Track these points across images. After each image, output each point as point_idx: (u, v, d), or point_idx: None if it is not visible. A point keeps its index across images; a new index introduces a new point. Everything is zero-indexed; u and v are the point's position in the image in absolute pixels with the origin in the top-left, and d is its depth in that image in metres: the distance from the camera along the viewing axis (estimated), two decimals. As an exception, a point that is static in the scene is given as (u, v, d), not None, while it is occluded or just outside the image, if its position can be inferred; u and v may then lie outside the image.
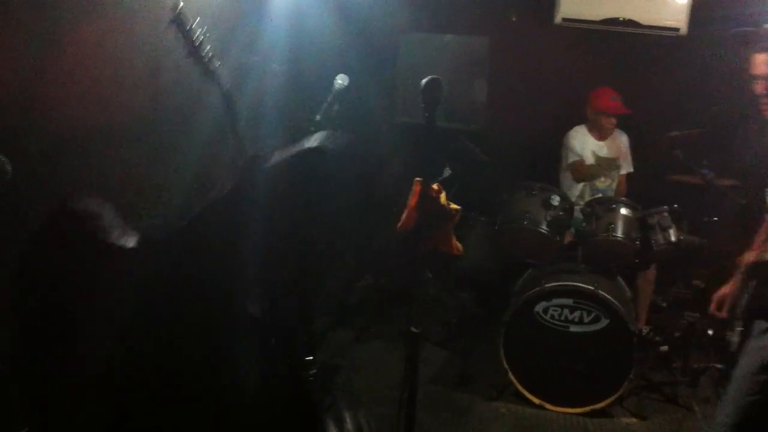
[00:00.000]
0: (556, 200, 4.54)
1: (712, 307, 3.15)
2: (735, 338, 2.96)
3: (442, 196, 2.63)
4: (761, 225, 3.10)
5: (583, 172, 5.13)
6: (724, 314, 3.11)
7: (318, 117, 3.86)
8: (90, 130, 2.65)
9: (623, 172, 5.40)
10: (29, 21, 2.38)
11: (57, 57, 2.52)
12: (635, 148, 5.38)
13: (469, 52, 5.52)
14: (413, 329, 2.26)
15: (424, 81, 2.04)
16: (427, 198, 2.51)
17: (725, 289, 3.14)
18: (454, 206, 2.78)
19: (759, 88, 2.67)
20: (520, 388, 4.38)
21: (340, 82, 4.02)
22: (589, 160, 5.25)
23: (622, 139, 5.37)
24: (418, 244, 2.38)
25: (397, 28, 5.37)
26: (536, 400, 4.36)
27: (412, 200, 2.60)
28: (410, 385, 1.91)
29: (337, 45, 4.74)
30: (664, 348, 4.80)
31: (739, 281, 3.10)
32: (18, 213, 2.25)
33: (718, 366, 3.91)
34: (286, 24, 4.46)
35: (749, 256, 2.98)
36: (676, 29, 5.15)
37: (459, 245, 3.34)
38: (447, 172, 4.85)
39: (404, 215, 2.65)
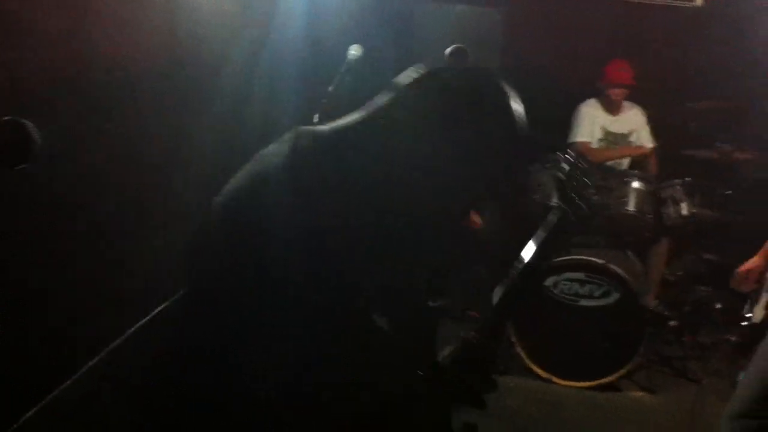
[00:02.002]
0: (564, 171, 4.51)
1: (736, 281, 3.16)
2: (759, 311, 2.95)
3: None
4: None
5: (588, 157, 5.07)
6: (747, 288, 3.12)
7: (330, 88, 3.82)
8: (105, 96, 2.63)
9: (648, 145, 5.29)
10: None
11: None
12: (652, 121, 5.33)
13: (481, 23, 5.46)
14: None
15: (448, 50, 1.96)
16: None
17: (749, 264, 3.14)
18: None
19: None
20: (527, 361, 4.38)
21: (353, 52, 3.96)
22: (598, 134, 5.20)
23: (637, 114, 5.30)
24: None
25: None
26: (544, 374, 4.37)
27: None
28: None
29: (354, 14, 4.70)
30: (674, 322, 4.80)
31: (764, 257, 3.12)
32: (50, 185, 2.22)
33: (733, 339, 3.90)
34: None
35: None
36: (692, 0, 5.11)
37: (478, 218, 3.32)
38: None
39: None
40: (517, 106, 1.56)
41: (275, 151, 1.57)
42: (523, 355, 4.37)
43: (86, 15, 2.50)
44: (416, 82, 1.54)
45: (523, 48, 5.37)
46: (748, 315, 3.08)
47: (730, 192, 4.65)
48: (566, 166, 4.08)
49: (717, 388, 4.38)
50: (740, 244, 5.26)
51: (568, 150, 5.10)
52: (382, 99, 1.56)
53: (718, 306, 4.66)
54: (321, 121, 3.24)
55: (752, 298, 3.07)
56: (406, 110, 1.52)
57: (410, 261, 1.60)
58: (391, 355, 1.60)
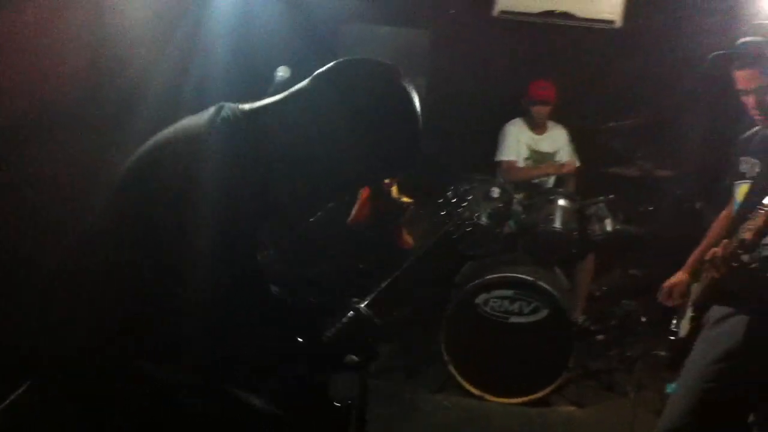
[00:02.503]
0: (495, 192, 4.58)
1: (662, 295, 3.20)
2: (686, 325, 3.00)
3: (394, 189, 2.62)
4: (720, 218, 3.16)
5: (513, 175, 5.18)
6: (673, 303, 3.15)
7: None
8: (25, 123, 2.56)
9: (575, 163, 5.38)
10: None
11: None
12: (575, 140, 5.45)
13: (409, 44, 5.51)
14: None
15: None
16: (379, 191, 2.49)
17: (674, 279, 3.18)
18: (406, 199, 2.76)
19: (749, 101, 2.73)
20: (460, 379, 4.40)
21: (281, 74, 3.94)
22: (524, 153, 5.29)
23: (560, 133, 5.41)
24: (372, 238, 2.36)
25: (337, 18, 5.33)
26: (477, 392, 4.39)
27: (363, 193, 2.57)
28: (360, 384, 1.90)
29: (282, 36, 4.69)
30: (601, 336, 4.89)
31: (689, 272, 3.15)
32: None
33: (662, 353, 3.96)
34: (231, 14, 4.41)
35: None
36: (611, 21, 5.27)
37: (410, 239, 3.33)
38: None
39: (355, 209, 2.62)
40: (415, 99, 1.74)
41: (196, 117, 1.68)
42: (455, 373, 4.39)
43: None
44: (330, 69, 1.69)
45: (449, 68, 5.43)
46: (675, 329, 3.14)
47: (652, 208, 4.78)
48: (496, 189, 4.16)
49: (645, 401, 4.48)
50: (662, 259, 5.44)
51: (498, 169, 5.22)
52: (300, 84, 1.70)
53: (644, 319, 4.78)
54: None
55: (679, 312, 3.12)
56: (319, 93, 1.66)
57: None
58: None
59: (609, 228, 4.65)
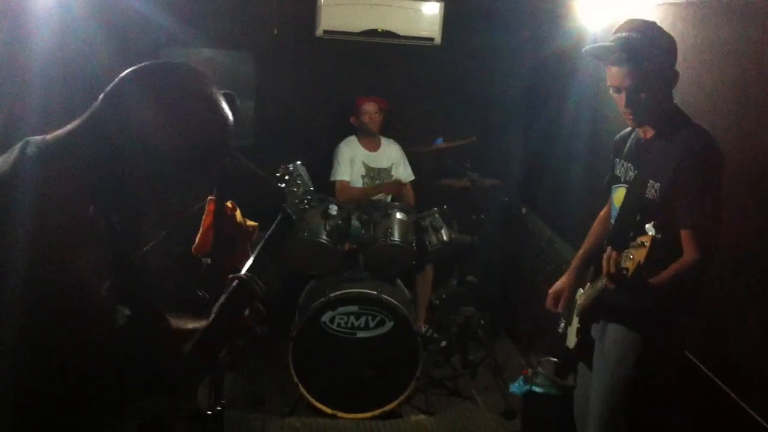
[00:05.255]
0: (333, 209, 4.60)
1: (548, 301, 3.18)
2: (572, 336, 2.98)
3: (238, 214, 2.55)
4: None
5: (348, 195, 5.23)
6: (560, 309, 3.14)
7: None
8: None
9: (405, 180, 5.50)
10: None
11: None
12: (408, 155, 5.57)
13: (233, 67, 5.43)
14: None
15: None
16: (223, 216, 2.41)
17: (558, 284, 3.19)
18: (251, 223, 2.69)
19: (620, 99, 2.65)
20: (312, 400, 4.38)
21: (102, 103, 3.80)
22: (361, 170, 5.36)
23: (394, 149, 5.52)
24: (218, 264, 2.28)
25: (156, 42, 5.18)
26: (329, 411, 4.38)
27: (206, 220, 2.47)
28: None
29: (101, 62, 4.50)
30: (443, 344, 5.02)
31: (573, 277, 3.15)
32: None
33: (553, 359, 3.92)
34: (47, 41, 4.19)
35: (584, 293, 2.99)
36: (431, 39, 5.44)
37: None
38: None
39: (199, 237, 2.51)
40: (224, 105, 1.68)
41: (2, 160, 1.58)
42: (306, 394, 4.36)
43: None
44: (131, 72, 1.64)
45: (276, 90, 5.40)
46: (562, 333, 3.11)
47: (483, 216, 4.96)
48: (334, 206, 4.16)
49: (489, 403, 4.64)
50: (494, 264, 5.67)
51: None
52: (95, 104, 1.63)
53: (482, 323, 4.95)
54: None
55: (566, 317, 3.11)
56: (123, 96, 1.61)
57: None
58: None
59: (445, 237, 4.79)
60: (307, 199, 4.23)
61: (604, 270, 2.49)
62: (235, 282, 1.82)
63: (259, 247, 2.00)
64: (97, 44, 4.67)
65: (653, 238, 2.28)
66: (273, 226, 2.06)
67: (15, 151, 1.57)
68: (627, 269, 2.37)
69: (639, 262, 2.31)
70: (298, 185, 4.29)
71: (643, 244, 2.30)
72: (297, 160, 3.99)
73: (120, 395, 1.63)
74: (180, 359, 1.74)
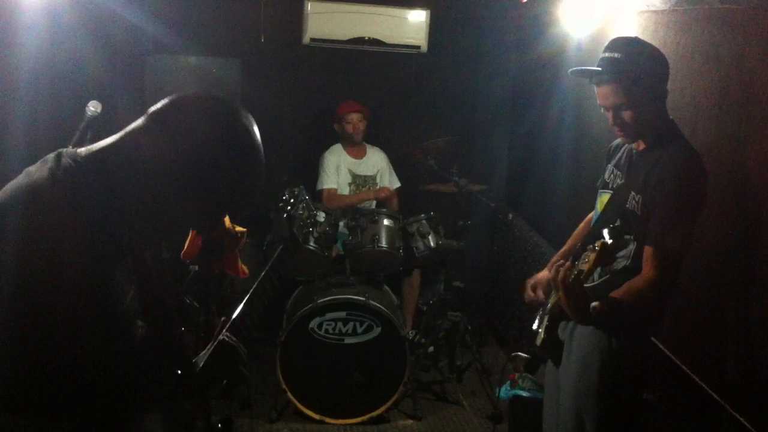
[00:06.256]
0: (321, 216, 4.62)
1: (527, 291, 3.13)
2: (541, 333, 2.98)
3: (226, 220, 2.57)
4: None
5: (334, 203, 5.25)
6: (536, 298, 3.08)
7: (70, 146, 3.62)
8: None
9: (392, 187, 5.52)
10: None
11: None
12: (393, 162, 5.61)
13: (220, 73, 5.45)
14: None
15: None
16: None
17: (540, 275, 3.15)
18: (239, 228, 2.72)
19: (607, 116, 2.68)
20: (299, 406, 4.39)
21: (92, 109, 3.82)
22: (347, 178, 5.38)
23: (380, 156, 5.55)
24: (206, 269, 2.30)
25: (143, 49, 5.20)
26: (316, 416, 4.39)
27: (195, 226, 2.49)
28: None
29: (89, 68, 4.52)
30: (431, 348, 5.04)
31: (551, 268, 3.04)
32: None
33: (522, 354, 3.86)
34: (36, 46, 4.21)
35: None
36: (417, 47, 5.48)
37: (245, 268, 3.28)
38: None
39: (187, 243, 2.53)
40: (256, 134, 1.66)
41: (37, 168, 1.58)
42: (294, 400, 4.37)
43: None
44: (162, 110, 1.60)
45: (263, 97, 5.42)
46: (536, 330, 3.07)
47: (469, 222, 5.00)
48: (321, 213, 4.17)
49: (476, 407, 4.67)
50: (481, 269, 5.71)
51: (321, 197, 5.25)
52: (135, 124, 1.62)
53: (469, 328, 4.97)
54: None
55: (541, 312, 3.05)
56: (150, 135, 1.59)
57: None
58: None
59: (432, 243, 4.82)
60: (313, 220, 4.28)
61: (561, 277, 2.47)
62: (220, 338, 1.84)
63: (261, 276, 2.04)
64: (85, 51, 4.70)
65: (603, 244, 2.28)
66: (274, 257, 2.09)
67: (49, 160, 1.58)
68: (582, 271, 2.38)
69: (592, 262, 2.32)
70: (304, 208, 4.34)
71: (594, 248, 2.32)
72: (288, 173, 4.02)
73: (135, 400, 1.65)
74: (193, 370, 1.77)
